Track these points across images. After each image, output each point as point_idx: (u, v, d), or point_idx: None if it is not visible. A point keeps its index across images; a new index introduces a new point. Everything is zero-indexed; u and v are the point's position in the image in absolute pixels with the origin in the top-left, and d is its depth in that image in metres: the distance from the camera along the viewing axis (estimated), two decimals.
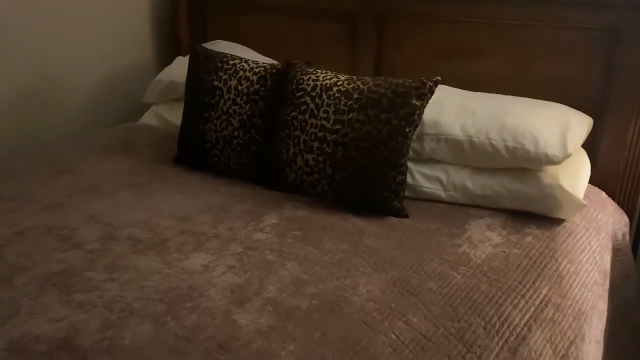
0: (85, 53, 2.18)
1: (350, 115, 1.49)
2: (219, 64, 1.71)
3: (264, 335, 1.03)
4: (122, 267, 1.22)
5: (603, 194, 1.67)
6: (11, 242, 1.30)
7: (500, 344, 1.05)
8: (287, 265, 1.25)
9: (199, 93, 1.72)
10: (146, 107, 2.21)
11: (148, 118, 2.15)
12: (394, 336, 1.04)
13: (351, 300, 1.14)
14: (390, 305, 1.13)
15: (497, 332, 1.07)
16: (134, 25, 2.37)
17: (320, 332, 1.04)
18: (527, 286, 1.21)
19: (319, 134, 1.52)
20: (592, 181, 1.66)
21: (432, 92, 1.49)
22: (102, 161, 1.80)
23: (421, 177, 1.59)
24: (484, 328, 1.08)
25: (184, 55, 2.24)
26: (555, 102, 1.64)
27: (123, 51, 2.33)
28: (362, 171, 1.49)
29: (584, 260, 1.37)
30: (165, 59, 2.39)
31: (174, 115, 2.05)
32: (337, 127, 1.50)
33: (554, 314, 1.16)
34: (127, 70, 2.36)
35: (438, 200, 1.57)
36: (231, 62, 1.71)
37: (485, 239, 1.38)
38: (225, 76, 1.69)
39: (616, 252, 1.60)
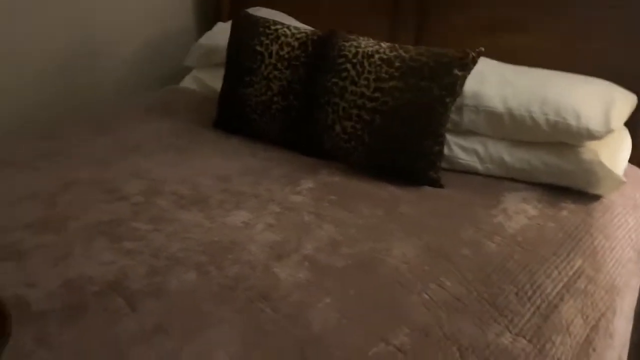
0: (127, 17, 2.22)
1: (391, 83, 1.50)
2: (262, 29, 1.74)
3: (302, 288, 1.07)
4: (166, 219, 1.27)
5: None
6: (61, 192, 1.36)
7: (532, 310, 1.07)
8: (324, 227, 1.29)
9: (241, 57, 1.75)
10: (186, 71, 2.25)
11: (188, 82, 2.19)
12: (427, 297, 1.07)
13: (385, 262, 1.17)
14: (424, 268, 1.16)
15: (529, 299, 1.10)
16: None
17: (355, 289, 1.08)
18: (561, 258, 1.22)
19: (359, 101, 1.53)
20: (632, 160, 1.64)
21: (474, 63, 1.48)
22: (144, 122, 1.85)
23: (458, 148, 1.59)
24: (516, 294, 1.10)
25: (224, 21, 2.27)
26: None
27: (165, 16, 2.37)
28: (399, 140, 1.50)
29: (620, 237, 1.37)
30: (205, 25, 2.42)
31: (214, 80, 2.08)
32: (376, 94, 1.51)
33: (586, 286, 1.17)
34: (168, 34, 2.40)
35: (474, 172, 1.58)
36: (273, 27, 1.73)
37: (521, 211, 1.38)
38: (267, 41, 1.71)
39: None
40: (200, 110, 1.96)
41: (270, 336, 0.95)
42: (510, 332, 1.01)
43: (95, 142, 1.66)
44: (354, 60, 1.55)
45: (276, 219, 1.31)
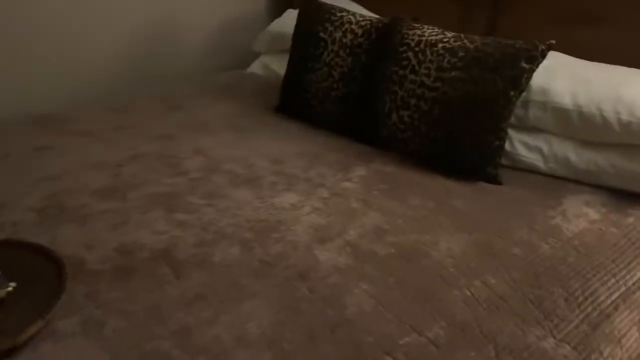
0: (203, 0, 2.31)
1: (453, 73, 1.46)
2: (327, 16, 1.74)
3: (340, 272, 1.07)
4: (219, 195, 1.32)
5: None
6: (127, 163, 1.45)
7: (581, 317, 1.01)
8: (370, 214, 1.28)
9: (305, 43, 1.77)
10: (254, 56, 2.31)
11: (255, 67, 2.25)
12: (468, 293, 1.04)
13: (430, 254, 1.15)
14: (470, 264, 1.13)
15: (579, 305, 1.04)
16: None
17: (395, 278, 1.07)
18: (621, 266, 1.15)
19: (417, 91, 1.51)
20: None
21: (543, 56, 1.41)
22: (210, 103, 1.92)
23: (521, 145, 1.53)
24: (566, 300, 1.05)
25: (295, 8, 2.29)
26: None
27: (239, 2, 2.43)
28: (457, 132, 1.46)
29: None
30: (276, 11, 2.46)
31: (280, 66, 2.12)
32: (437, 84, 1.48)
33: None
34: (239, 19, 2.47)
35: (536, 171, 1.51)
36: (339, 14, 1.73)
37: (582, 214, 1.31)
38: (332, 28, 1.71)
39: None
40: (265, 94, 2.00)
41: (303, 314, 0.96)
42: (554, 337, 0.97)
43: (164, 119, 1.75)
44: (416, 49, 1.53)
45: (324, 203, 1.32)
